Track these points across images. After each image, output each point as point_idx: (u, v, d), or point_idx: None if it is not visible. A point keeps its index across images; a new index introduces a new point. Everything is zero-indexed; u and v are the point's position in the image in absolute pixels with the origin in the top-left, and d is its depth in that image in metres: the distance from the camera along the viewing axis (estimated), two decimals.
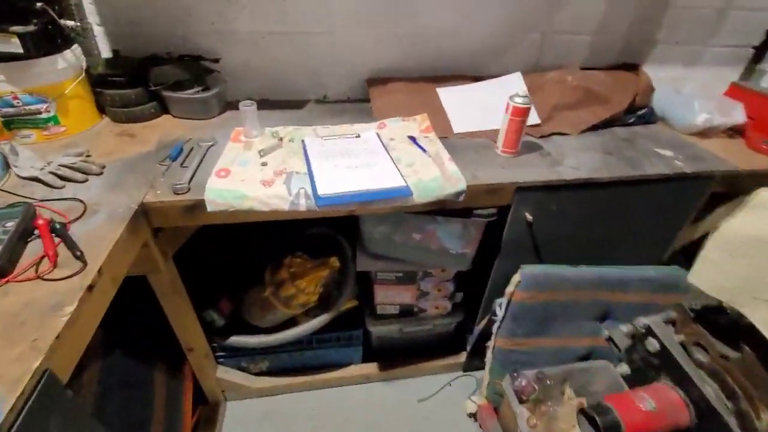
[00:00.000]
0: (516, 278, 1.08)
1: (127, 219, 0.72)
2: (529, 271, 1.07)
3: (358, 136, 1.04)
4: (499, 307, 1.14)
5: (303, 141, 1.00)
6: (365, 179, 0.85)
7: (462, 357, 1.41)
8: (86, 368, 0.93)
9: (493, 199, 0.94)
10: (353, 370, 1.37)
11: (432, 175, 0.89)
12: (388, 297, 1.24)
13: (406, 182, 0.85)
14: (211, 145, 0.97)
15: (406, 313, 1.30)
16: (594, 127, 1.14)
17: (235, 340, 1.17)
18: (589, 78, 1.19)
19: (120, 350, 1.02)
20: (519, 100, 0.91)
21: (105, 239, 0.67)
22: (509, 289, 1.10)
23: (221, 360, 1.26)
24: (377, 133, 1.05)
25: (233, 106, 1.15)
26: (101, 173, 0.85)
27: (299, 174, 0.87)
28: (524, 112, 0.92)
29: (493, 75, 1.27)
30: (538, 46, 1.29)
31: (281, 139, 1.00)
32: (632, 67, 1.31)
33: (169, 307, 0.96)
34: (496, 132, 1.05)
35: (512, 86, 1.19)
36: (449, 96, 1.19)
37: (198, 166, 0.89)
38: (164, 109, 1.10)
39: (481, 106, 1.16)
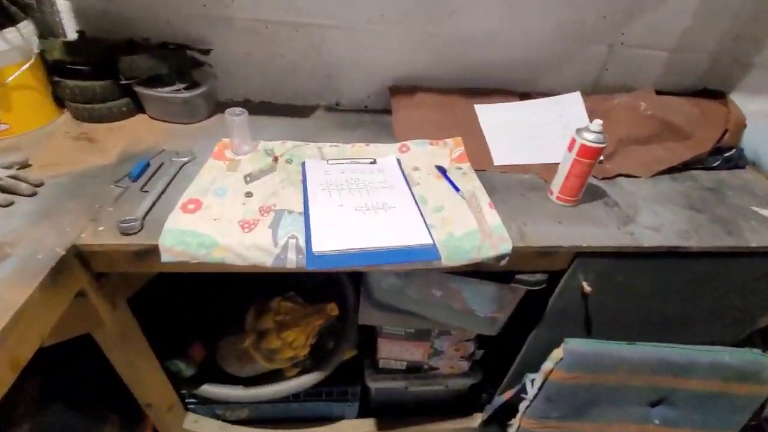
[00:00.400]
0: (557, 354, 0.86)
1: (45, 271, 0.52)
2: (575, 347, 0.85)
3: (374, 162, 0.82)
4: (531, 383, 0.92)
5: (303, 164, 0.79)
6: (378, 230, 0.64)
7: (475, 420, 1.20)
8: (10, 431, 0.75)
9: (544, 263, 0.71)
10: (346, 427, 1.16)
11: (466, 227, 0.67)
12: (394, 352, 1.03)
13: (432, 238, 0.63)
14: (187, 162, 0.76)
15: (415, 369, 1.09)
16: (669, 169, 0.91)
17: (207, 390, 0.98)
18: (667, 106, 0.96)
19: (60, 404, 0.83)
20: (591, 137, 0.68)
21: (2, 304, 0.47)
22: (547, 365, 0.88)
23: (192, 407, 1.06)
24: (398, 159, 0.83)
25: (225, 107, 0.95)
26: (34, 194, 0.65)
27: (292, 214, 0.66)
28: (596, 154, 0.69)
29: (544, 92, 1.05)
30: (602, 60, 1.05)
31: (276, 159, 0.79)
32: (715, 95, 1.06)
33: (119, 363, 0.76)
34: (548, 168, 0.82)
35: (569, 108, 0.96)
36: (489, 116, 0.96)
37: (163, 191, 0.68)
38: (141, 107, 0.90)
39: (530, 131, 0.93)
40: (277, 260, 0.60)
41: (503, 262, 0.66)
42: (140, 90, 0.85)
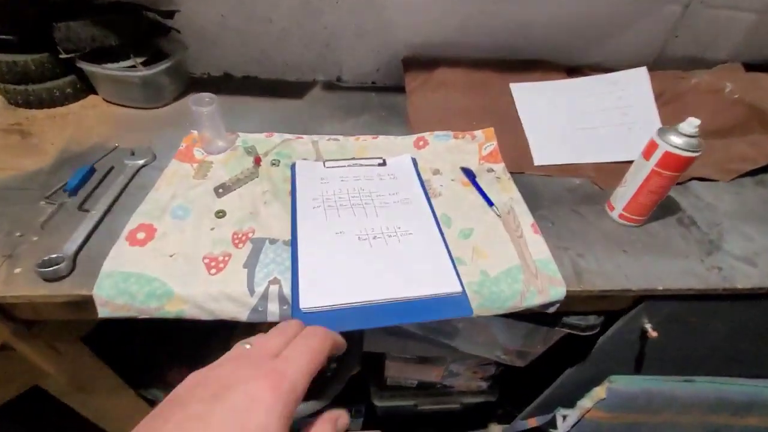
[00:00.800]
0: (599, 394, 0.72)
1: None
2: (620, 387, 0.71)
3: (383, 164, 0.64)
4: (562, 419, 0.80)
5: (293, 167, 0.62)
6: (389, 272, 0.48)
7: None
8: None
9: (601, 305, 0.56)
10: None
11: (505, 263, 0.51)
12: (404, 373, 0.91)
13: (461, 284, 0.47)
14: (143, 165, 0.60)
15: (426, 386, 0.97)
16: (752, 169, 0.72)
17: None
18: (759, 87, 0.75)
19: None
20: (680, 141, 0.50)
21: None
22: (585, 403, 0.74)
23: None
24: (413, 159, 0.66)
25: (200, 84, 0.77)
26: None
27: (275, 243, 0.50)
28: (684, 165, 0.51)
29: (596, 65, 0.84)
30: (672, 24, 0.83)
31: (258, 161, 0.62)
32: None
33: (81, 408, 0.64)
34: (602, 170, 0.66)
35: (631, 89, 0.76)
36: (529, 98, 0.77)
37: (108, 209, 0.52)
38: (92, 87, 0.72)
39: (580, 119, 0.74)
40: (254, 313, 0.45)
41: (552, 310, 0.51)
42: (86, 67, 0.66)
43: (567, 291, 0.49)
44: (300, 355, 0.24)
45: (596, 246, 0.56)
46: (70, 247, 0.47)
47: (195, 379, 0.23)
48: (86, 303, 0.44)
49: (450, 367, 0.87)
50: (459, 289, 0.47)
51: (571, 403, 0.78)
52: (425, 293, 0.46)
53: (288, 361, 0.23)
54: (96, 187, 0.56)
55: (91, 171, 0.57)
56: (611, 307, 0.57)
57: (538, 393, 0.87)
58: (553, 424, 0.82)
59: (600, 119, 0.74)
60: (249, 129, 0.68)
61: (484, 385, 0.96)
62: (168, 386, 0.77)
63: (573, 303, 0.52)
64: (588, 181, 0.67)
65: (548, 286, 0.49)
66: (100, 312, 0.44)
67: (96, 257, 0.46)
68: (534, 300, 0.49)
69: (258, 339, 0.26)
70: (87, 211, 0.52)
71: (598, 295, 0.51)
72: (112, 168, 0.59)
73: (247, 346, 0.25)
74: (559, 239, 0.56)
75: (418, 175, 0.63)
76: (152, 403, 0.80)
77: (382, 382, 0.95)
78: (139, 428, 0.21)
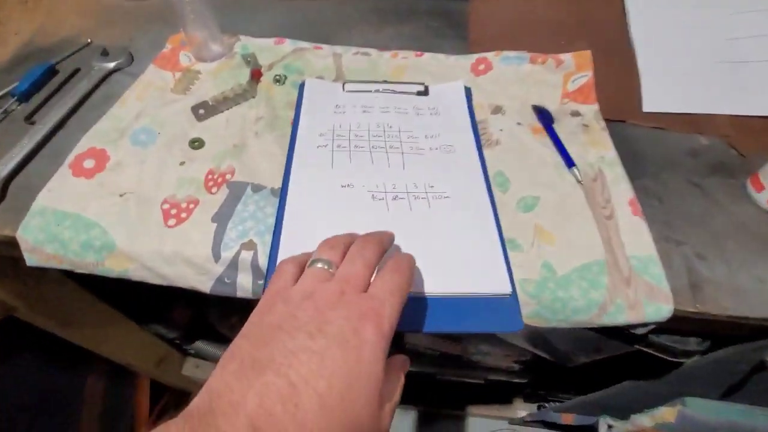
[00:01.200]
0: (665, 416, 0.57)
1: None
2: (696, 414, 0.56)
3: (424, 92, 0.47)
4: (607, 427, 0.67)
5: (301, 87, 0.46)
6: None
7: (509, 410, 1.01)
8: None
9: (714, 326, 0.39)
10: None
11: (583, 256, 0.34)
12: (424, 342, 0.80)
13: (512, 283, 0.32)
14: (116, 70, 0.47)
15: (450, 356, 0.87)
16: None
17: (202, 347, 0.84)
18: None
19: (29, 354, 0.72)
20: None
21: None
22: (642, 421, 0.60)
23: (191, 351, 0.96)
24: (467, 88, 0.47)
25: None
26: None
27: (260, 191, 0.37)
28: None
29: None
30: None
31: (258, 74, 0.47)
32: None
33: (66, 336, 0.60)
34: (747, 126, 0.44)
35: None
36: (649, 11, 0.53)
37: (59, 124, 0.41)
38: None
39: (724, 48, 0.50)
40: (219, 285, 0.34)
41: (643, 331, 0.35)
42: None
43: (675, 311, 0.33)
44: (392, 295, 0.23)
45: (727, 243, 0.37)
46: (1, 170, 0.36)
47: (283, 308, 0.22)
48: (16, 244, 0.35)
49: (480, 346, 0.76)
50: (507, 289, 0.32)
51: (620, 413, 0.65)
52: (455, 290, 0.31)
53: (382, 301, 0.22)
54: (53, 94, 0.44)
55: (51, 72, 0.45)
56: (727, 331, 0.40)
57: (577, 386, 0.74)
58: (593, 429, 0.70)
59: (754, 49, 0.49)
60: (256, 32, 0.52)
61: (515, 366, 0.84)
62: (171, 323, 0.72)
63: (675, 322, 0.35)
64: (721, 142, 0.45)
65: (644, 300, 0.33)
66: (28, 260, 0.34)
67: (34, 186, 0.36)
68: (619, 317, 0.33)
69: (333, 254, 0.25)
70: (34, 123, 0.40)
71: (727, 324, 0.34)
72: (77, 70, 0.46)
73: (319, 265, 0.24)
74: (668, 227, 0.38)
75: (471, 112, 0.45)
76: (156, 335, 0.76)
77: (401, 347, 0.86)
78: (240, 348, 0.20)
